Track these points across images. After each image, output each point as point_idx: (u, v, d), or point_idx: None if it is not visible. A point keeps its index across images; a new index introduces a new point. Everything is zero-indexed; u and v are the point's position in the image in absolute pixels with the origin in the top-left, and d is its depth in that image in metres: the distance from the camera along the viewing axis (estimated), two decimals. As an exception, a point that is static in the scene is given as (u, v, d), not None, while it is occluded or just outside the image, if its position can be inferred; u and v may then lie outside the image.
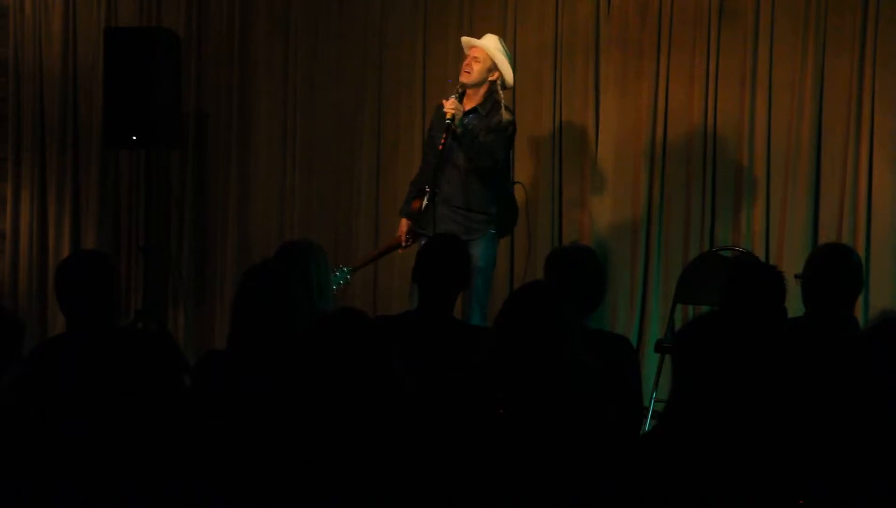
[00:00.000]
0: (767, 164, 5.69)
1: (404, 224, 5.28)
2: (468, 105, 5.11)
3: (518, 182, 5.58)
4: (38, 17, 6.75)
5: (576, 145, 6.03)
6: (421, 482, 2.56)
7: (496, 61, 5.10)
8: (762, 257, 5.59)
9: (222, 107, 6.64)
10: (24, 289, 6.81)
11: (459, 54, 6.13)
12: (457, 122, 4.94)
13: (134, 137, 6.07)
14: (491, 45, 5.13)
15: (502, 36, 6.05)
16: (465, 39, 5.25)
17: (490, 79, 5.11)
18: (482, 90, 5.11)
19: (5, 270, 6.85)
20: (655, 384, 5.39)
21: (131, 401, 3.07)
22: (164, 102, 6.08)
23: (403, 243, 5.29)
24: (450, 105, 4.97)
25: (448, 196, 5.12)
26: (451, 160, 5.09)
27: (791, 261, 5.20)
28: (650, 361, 5.69)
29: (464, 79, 5.09)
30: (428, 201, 5.05)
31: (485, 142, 5.05)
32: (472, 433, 2.65)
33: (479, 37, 5.25)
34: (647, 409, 5.27)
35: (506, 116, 5.08)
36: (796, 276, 3.69)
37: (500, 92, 5.12)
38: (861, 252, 5.34)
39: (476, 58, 5.09)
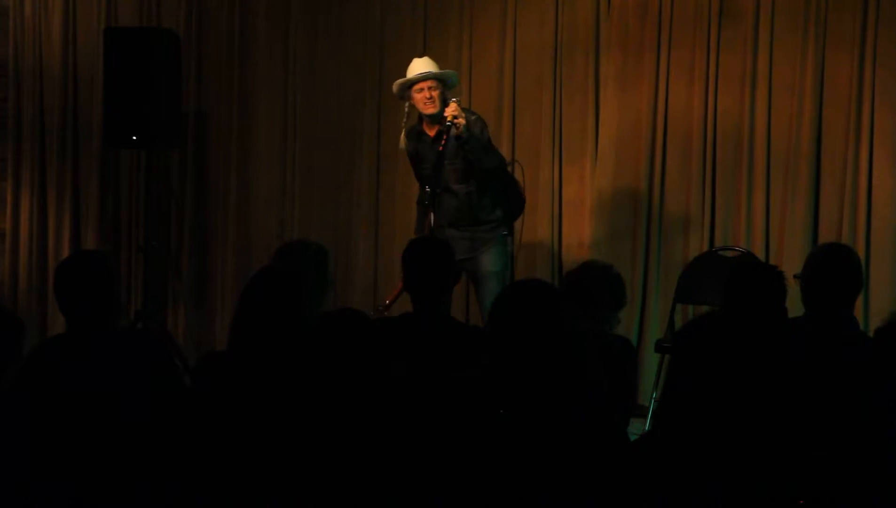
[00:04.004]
0: (767, 164, 5.69)
1: None
2: (431, 133, 5.19)
3: (516, 161, 5.60)
4: (38, 17, 6.76)
5: (576, 145, 6.03)
6: (420, 481, 2.56)
7: (444, 79, 5.17)
8: (762, 257, 5.59)
9: (222, 107, 6.65)
10: (24, 289, 6.81)
11: (458, 55, 6.16)
12: (462, 128, 4.96)
13: (134, 137, 6.07)
14: (430, 68, 5.17)
15: (502, 36, 6.08)
16: (397, 83, 5.25)
17: (444, 98, 5.16)
18: (442, 111, 5.16)
19: (5, 270, 6.85)
20: (655, 384, 5.39)
21: (131, 401, 3.07)
22: (164, 102, 6.08)
23: None
24: (450, 110, 4.98)
25: (452, 220, 5.17)
26: (444, 186, 5.12)
27: (791, 261, 5.20)
28: (650, 361, 5.70)
29: (431, 111, 5.14)
30: (428, 203, 5.07)
31: (487, 144, 5.09)
32: (471, 433, 2.65)
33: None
34: (648, 409, 5.28)
35: (471, 117, 5.11)
36: (796, 276, 3.69)
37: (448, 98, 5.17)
38: (861, 252, 5.34)
39: (431, 88, 5.13)
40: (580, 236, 6.03)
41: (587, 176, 6.01)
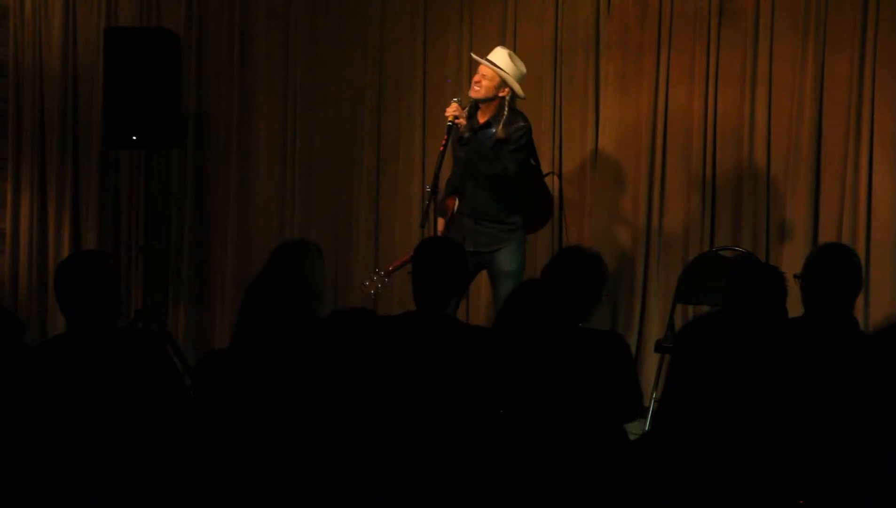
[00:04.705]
0: (767, 164, 5.69)
1: (440, 223, 5.30)
2: (482, 119, 5.16)
3: (551, 172, 5.58)
4: (38, 17, 6.75)
5: (576, 145, 6.03)
6: (422, 480, 2.56)
7: (504, 79, 5.10)
8: (762, 257, 5.60)
9: (222, 107, 6.64)
10: (24, 289, 6.81)
11: (458, 55, 6.17)
12: (462, 128, 4.97)
13: (134, 137, 6.06)
14: (500, 61, 5.12)
15: (502, 36, 6.08)
16: (474, 57, 5.24)
17: (500, 95, 5.11)
18: (493, 104, 5.13)
19: (5, 270, 6.85)
20: (655, 384, 5.40)
21: (131, 401, 3.08)
22: (164, 102, 6.08)
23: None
24: (451, 110, 5.01)
25: (472, 209, 5.18)
26: (469, 173, 5.12)
27: (791, 261, 5.20)
28: (650, 361, 5.70)
29: (473, 95, 5.13)
30: (429, 200, 5.08)
31: (493, 150, 5.07)
32: (471, 432, 2.65)
33: (481, 46, 5.26)
34: (648, 409, 5.28)
35: (519, 123, 5.09)
36: (796, 276, 3.69)
37: (514, 103, 5.13)
38: (861, 252, 5.34)
39: (484, 75, 5.11)
40: (580, 236, 6.03)
41: (587, 176, 6.02)
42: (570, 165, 6.04)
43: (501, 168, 5.08)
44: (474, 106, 5.15)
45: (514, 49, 6.05)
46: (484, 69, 5.12)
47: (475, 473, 2.58)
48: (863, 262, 4.56)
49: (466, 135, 5.03)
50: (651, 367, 5.65)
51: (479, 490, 2.57)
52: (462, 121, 5.00)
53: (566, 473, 2.55)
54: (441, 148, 5.06)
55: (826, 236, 5.55)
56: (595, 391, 2.80)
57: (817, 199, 5.63)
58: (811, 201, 5.62)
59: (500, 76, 5.09)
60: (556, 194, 6.05)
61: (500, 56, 5.15)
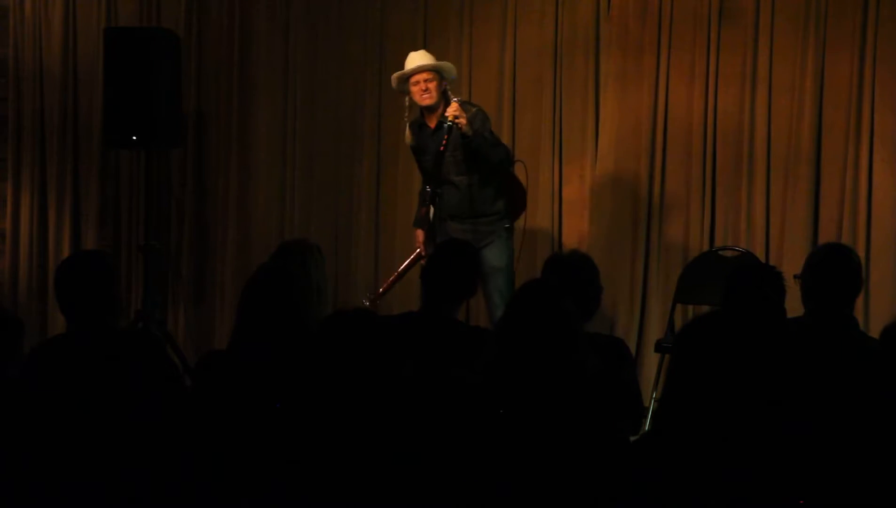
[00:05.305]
0: (767, 164, 5.69)
1: (420, 234, 5.30)
2: (432, 124, 5.20)
3: (519, 160, 5.60)
4: (38, 17, 6.75)
5: (576, 145, 6.03)
6: (422, 481, 2.56)
7: (440, 71, 5.16)
8: (762, 257, 5.60)
9: (222, 107, 6.64)
10: (24, 289, 6.81)
11: (458, 55, 6.16)
12: (465, 128, 4.98)
13: (134, 137, 6.06)
14: (427, 61, 5.17)
15: (502, 36, 6.08)
16: (395, 76, 5.26)
17: (442, 89, 5.17)
18: (441, 103, 5.17)
19: (5, 270, 6.85)
20: (655, 385, 5.40)
21: (131, 401, 3.08)
22: (164, 102, 6.07)
23: (424, 253, 5.25)
24: (451, 110, 5.00)
25: (453, 212, 5.18)
26: (444, 177, 5.12)
27: (791, 261, 5.20)
28: (650, 361, 5.70)
29: (427, 102, 5.15)
30: (429, 202, 5.08)
31: (491, 140, 5.10)
32: (472, 432, 2.65)
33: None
34: (648, 409, 5.28)
35: (471, 110, 5.12)
36: (796, 276, 3.69)
37: (449, 92, 5.19)
38: (861, 252, 5.34)
39: (428, 79, 5.13)
40: (580, 236, 6.03)
41: (587, 176, 6.01)
42: (570, 165, 6.04)
43: (505, 151, 5.17)
44: (421, 116, 5.22)
45: (514, 49, 6.07)
46: (424, 75, 5.13)
47: (476, 474, 2.58)
48: (863, 262, 4.55)
49: (470, 134, 5.03)
50: (651, 367, 5.65)
51: (480, 491, 2.57)
52: (462, 121, 4.98)
53: (567, 473, 2.55)
54: (441, 149, 5.06)
55: (826, 236, 5.55)
56: (600, 397, 2.80)
57: (817, 199, 5.63)
58: (811, 201, 5.62)
59: (439, 71, 5.14)
60: (555, 193, 6.05)
61: (423, 57, 5.19)
